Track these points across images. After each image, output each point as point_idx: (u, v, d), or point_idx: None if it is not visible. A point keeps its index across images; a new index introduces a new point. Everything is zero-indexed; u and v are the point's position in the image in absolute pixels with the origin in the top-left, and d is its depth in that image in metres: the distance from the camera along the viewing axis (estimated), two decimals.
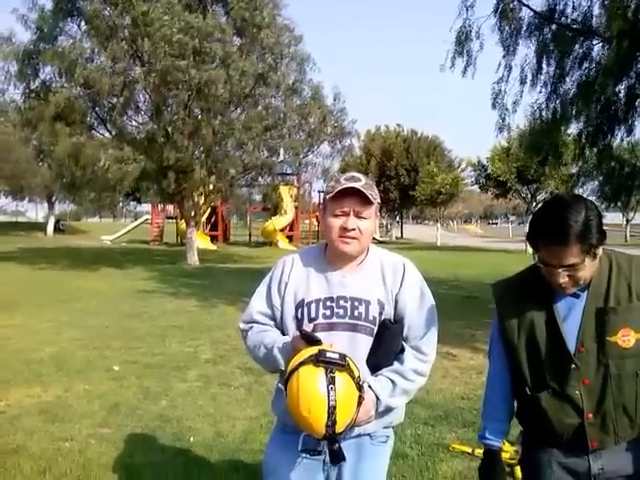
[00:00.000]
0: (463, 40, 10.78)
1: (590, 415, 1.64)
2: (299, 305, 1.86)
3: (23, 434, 4.15)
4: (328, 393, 1.55)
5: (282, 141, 18.60)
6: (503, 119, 11.20)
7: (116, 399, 4.95)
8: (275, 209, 30.57)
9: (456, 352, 6.73)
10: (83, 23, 17.00)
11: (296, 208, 33.78)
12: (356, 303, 1.82)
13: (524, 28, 10.70)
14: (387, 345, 1.83)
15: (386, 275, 1.89)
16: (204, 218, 27.57)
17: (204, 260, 19.82)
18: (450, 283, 13.87)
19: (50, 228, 39.65)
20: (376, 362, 1.82)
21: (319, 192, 40.68)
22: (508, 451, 3.68)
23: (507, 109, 11.09)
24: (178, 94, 16.22)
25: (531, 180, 26.37)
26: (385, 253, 1.99)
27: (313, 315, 1.83)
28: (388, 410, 1.83)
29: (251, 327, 1.95)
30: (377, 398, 1.77)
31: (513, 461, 3.55)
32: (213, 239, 32.79)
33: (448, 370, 5.97)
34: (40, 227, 41.31)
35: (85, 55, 16.49)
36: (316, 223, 40.36)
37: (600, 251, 1.61)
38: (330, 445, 1.63)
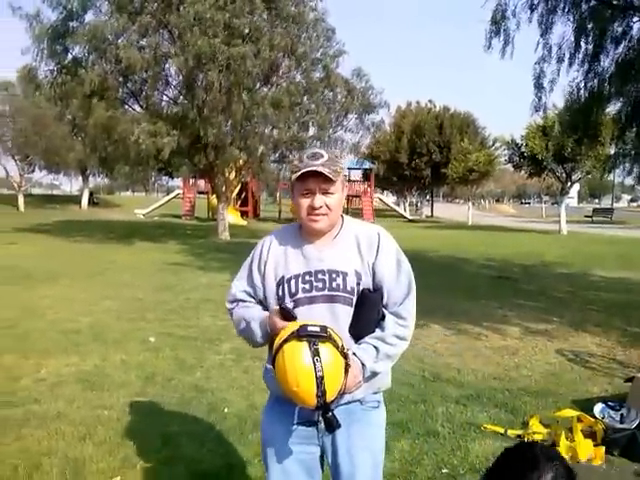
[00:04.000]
0: (499, 19, 10.44)
1: None
2: (279, 282, 1.91)
3: (63, 401, 4.29)
4: (314, 365, 1.60)
5: (309, 116, 18.49)
6: (539, 98, 10.88)
7: (152, 370, 5.06)
8: None
9: (488, 333, 6.69)
10: None
11: None
12: (334, 275, 1.87)
13: (561, 5, 10.32)
14: (367, 313, 1.88)
15: (362, 246, 1.92)
16: (235, 194, 27.73)
17: (234, 235, 19.98)
18: (481, 262, 13.74)
19: (84, 201, 40.32)
20: (358, 331, 1.87)
21: (348, 169, 40.57)
22: (541, 433, 3.69)
23: (543, 88, 10.78)
24: (210, 71, 16.19)
25: (567, 159, 25.72)
26: (359, 224, 2.04)
27: (293, 290, 1.88)
28: (374, 375, 1.89)
29: (236, 305, 2.02)
30: (362, 364, 1.81)
31: (546, 443, 3.55)
32: (243, 214, 32.99)
33: (480, 350, 5.94)
34: (75, 200, 42.06)
35: (115, 31, 16.52)
36: (344, 200, 40.08)
37: None
38: (324, 414, 1.69)
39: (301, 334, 1.63)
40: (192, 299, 8.44)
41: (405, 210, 46.61)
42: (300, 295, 1.87)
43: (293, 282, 1.89)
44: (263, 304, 1.97)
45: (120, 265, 12.33)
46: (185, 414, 4.08)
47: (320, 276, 1.87)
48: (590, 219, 37.62)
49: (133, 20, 16.31)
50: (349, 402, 1.87)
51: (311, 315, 1.79)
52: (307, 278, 1.88)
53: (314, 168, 1.79)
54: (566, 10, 10.15)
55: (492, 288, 9.87)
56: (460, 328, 6.89)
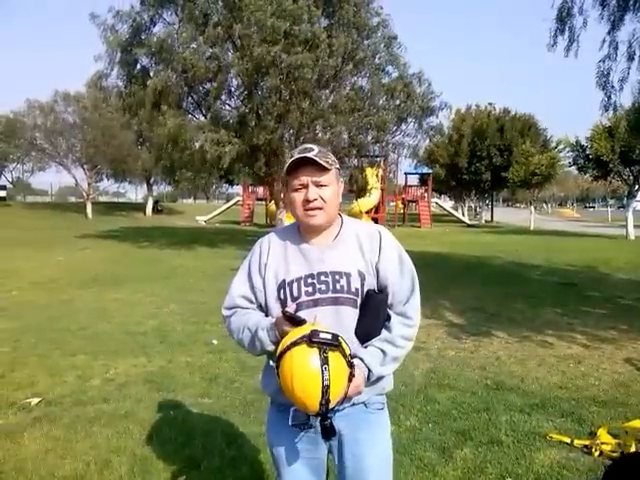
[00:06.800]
0: (565, 17, 10.18)
1: None
2: (281, 286, 1.86)
3: (131, 401, 4.47)
4: (322, 373, 1.57)
5: (369, 119, 18.46)
6: (609, 97, 10.50)
7: (215, 371, 5.20)
8: (360, 191, 30.50)
9: (552, 340, 6.50)
10: (179, 10, 17.52)
11: (382, 190, 33.38)
12: (337, 277, 1.82)
13: (631, 1, 9.95)
14: (374, 315, 1.84)
15: (363, 246, 1.88)
16: None
17: None
18: (545, 268, 13.34)
19: (149, 209, 41.62)
20: (365, 332, 1.83)
21: (405, 174, 40.21)
22: (610, 443, 3.56)
23: (613, 87, 10.40)
24: (269, 79, 16.46)
25: (635, 161, 24.64)
26: (360, 224, 1.99)
27: (296, 294, 1.83)
28: (380, 378, 1.86)
29: (234, 312, 1.95)
30: (369, 370, 1.78)
31: (614, 454, 3.43)
32: None
33: (544, 358, 5.77)
34: (139, 208, 43.48)
35: (182, 42, 17.02)
36: (402, 205, 39.74)
37: None
38: (322, 421, 1.67)
39: (313, 340, 1.58)
40: None
41: (464, 215, 45.80)
42: (303, 298, 1.82)
43: (295, 285, 1.83)
44: (263, 309, 1.92)
45: (184, 269, 12.70)
46: (247, 415, 4.16)
47: (323, 278, 1.82)
48: None
49: (200, 31, 16.77)
50: (354, 404, 1.84)
51: (313, 317, 1.74)
52: (310, 281, 1.83)
53: (305, 154, 1.77)
54: (637, 6, 9.80)
55: (556, 295, 9.57)
56: (523, 336, 6.72)
